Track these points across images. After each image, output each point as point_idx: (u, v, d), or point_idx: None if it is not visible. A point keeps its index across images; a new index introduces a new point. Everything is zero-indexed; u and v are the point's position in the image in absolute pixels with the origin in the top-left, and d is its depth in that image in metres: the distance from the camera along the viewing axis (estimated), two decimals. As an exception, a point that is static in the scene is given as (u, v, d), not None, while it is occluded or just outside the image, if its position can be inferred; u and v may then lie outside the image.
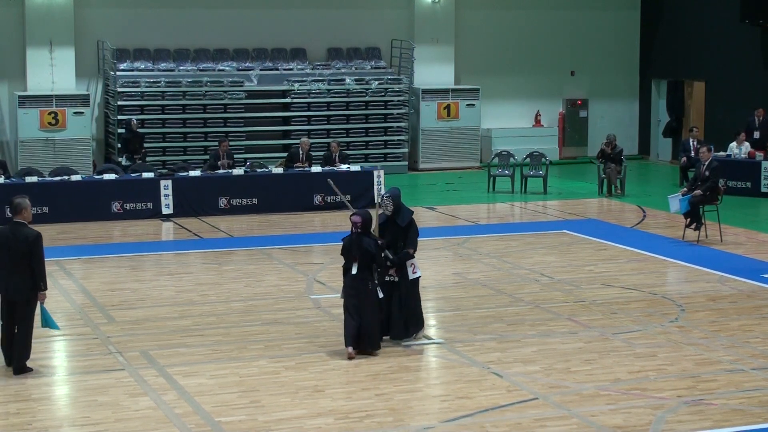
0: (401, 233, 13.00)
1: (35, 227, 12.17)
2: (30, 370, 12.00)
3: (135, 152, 25.46)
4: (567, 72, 31.79)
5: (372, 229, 12.84)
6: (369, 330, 12.50)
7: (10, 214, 12.26)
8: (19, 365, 11.95)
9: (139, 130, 26.61)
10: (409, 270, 12.99)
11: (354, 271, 12.49)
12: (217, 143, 24.68)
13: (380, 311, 12.67)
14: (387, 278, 12.87)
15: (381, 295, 12.62)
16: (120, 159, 25.60)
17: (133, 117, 26.25)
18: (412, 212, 13.23)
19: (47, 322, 12.21)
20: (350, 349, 12.41)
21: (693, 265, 17.49)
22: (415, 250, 13.02)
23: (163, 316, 14.51)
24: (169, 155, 26.72)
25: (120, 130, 26.53)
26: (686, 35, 30.36)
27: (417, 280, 13.10)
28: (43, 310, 12.13)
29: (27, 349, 12.02)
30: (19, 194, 12.46)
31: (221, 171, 22.89)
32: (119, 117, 26.57)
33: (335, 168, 23.50)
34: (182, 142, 27.11)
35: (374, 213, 13.18)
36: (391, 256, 12.82)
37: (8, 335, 12.07)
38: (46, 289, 12.01)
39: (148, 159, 25.64)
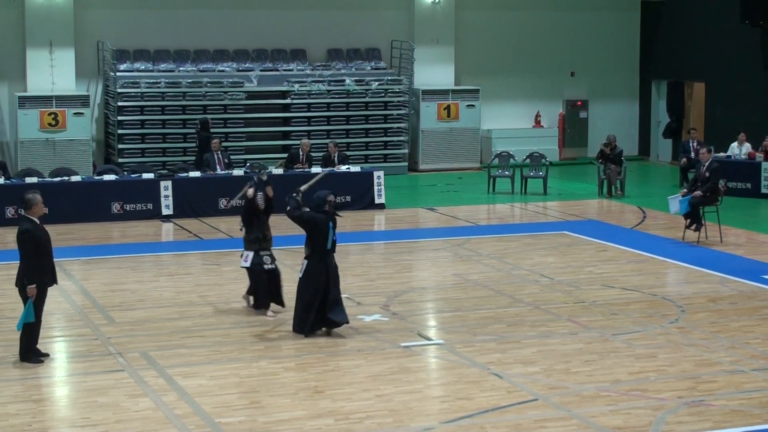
0: None
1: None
2: (37, 361, 12.32)
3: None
4: (567, 73, 31.80)
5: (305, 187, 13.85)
6: None
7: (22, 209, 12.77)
8: (20, 352, 12.38)
9: (141, 131, 26.68)
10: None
11: None
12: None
13: (250, 274, 14.33)
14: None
15: (243, 263, 14.27)
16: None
17: (208, 116, 26.20)
18: (311, 211, 13.34)
19: (25, 316, 12.23)
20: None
21: (693, 266, 17.49)
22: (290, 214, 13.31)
23: (163, 317, 14.51)
24: (169, 156, 26.72)
25: (120, 131, 26.55)
26: (686, 36, 30.36)
27: (302, 278, 13.27)
28: (28, 304, 12.23)
29: (25, 337, 12.34)
30: (31, 189, 12.84)
31: (221, 171, 22.89)
32: (119, 117, 26.57)
33: (335, 169, 23.50)
34: (182, 143, 27.10)
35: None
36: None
37: None
38: (29, 284, 12.20)
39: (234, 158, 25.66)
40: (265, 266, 14.23)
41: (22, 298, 12.35)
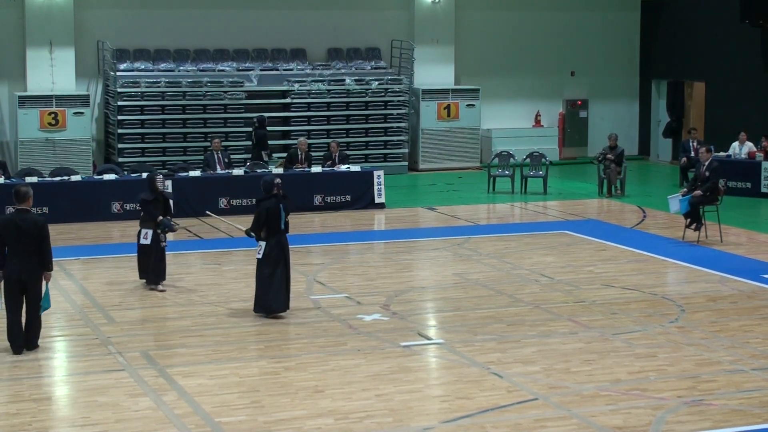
0: None
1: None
2: (37, 346, 12.78)
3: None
4: (567, 72, 31.80)
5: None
6: None
7: (15, 201, 12.87)
8: (30, 338, 12.69)
9: (141, 131, 26.69)
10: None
11: None
12: (210, 143, 24.55)
13: (145, 249, 16.07)
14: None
15: (144, 240, 16.01)
16: (265, 158, 24.98)
17: (264, 114, 26.22)
18: (263, 202, 14.34)
19: (46, 301, 12.72)
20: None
21: (693, 266, 17.49)
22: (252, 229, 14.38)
23: (162, 317, 14.52)
24: (169, 155, 26.73)
25: (120, 131, 26.55)
26: (686, 35, 30.36)
27: (261, 259, 14.15)
28: (46, 289, 12.72)
29: (40, 325, 12.81)
30: (22, 183, 12.94)
31: (221, 171, 22.88)
32: (119, 117, 26.58)
33: (335, 168, 23.50)
34: (182, 143, 27.10)
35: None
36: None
37: (16, 320, 12.63)
38: (52, 269, 12.81)
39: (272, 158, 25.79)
40: (161, 244, 15.99)
41: (34, 289, 12.55)
